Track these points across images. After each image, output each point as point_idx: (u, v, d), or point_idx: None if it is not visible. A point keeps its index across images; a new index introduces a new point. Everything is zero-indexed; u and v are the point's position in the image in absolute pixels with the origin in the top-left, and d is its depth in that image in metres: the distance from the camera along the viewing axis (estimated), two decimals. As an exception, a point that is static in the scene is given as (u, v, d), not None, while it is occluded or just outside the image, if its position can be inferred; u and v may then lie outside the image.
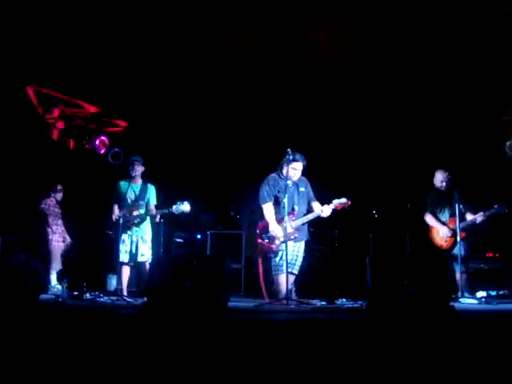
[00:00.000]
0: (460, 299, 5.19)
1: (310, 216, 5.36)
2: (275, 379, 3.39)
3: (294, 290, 5.44)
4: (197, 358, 3.43)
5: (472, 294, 5.47)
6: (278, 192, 5.34)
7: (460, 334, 3.46)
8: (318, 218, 5.47)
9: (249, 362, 3.34)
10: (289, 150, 5.21)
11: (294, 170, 5.31)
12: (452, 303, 4.16)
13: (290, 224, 5.20)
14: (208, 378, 3.42)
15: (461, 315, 3.79)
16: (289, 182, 5.30)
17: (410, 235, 7.58)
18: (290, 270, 5.26)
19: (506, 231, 7.11)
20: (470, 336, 3.43)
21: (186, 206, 5.63)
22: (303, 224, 5.39)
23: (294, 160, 5.27)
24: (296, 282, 5.46)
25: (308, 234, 5.55)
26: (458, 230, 5.76)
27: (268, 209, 5.29)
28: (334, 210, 5.32)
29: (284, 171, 5.40)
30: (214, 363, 3.29)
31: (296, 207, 5.32)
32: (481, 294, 5.33)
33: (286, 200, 5.06)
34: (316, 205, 5.45)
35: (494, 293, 5.53)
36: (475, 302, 5.13)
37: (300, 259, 5.39)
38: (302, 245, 5.41)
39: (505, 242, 7.22)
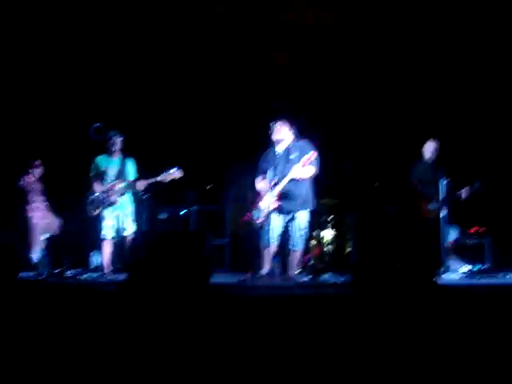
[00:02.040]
0: (442, 274, 5.21)
1: (284, 181, 4.90)
2: (258, 355, 3.34)
3: (278, 265, 5.38)
4: (179, 334, 3.38)
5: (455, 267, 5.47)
6: (265, 165, 5.21)
7: (443, 309, 3.45)
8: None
9: (231, 338, 3.30)
10: None
11: (273, 129, 5.10)
12: (435, 278, 4.16)
13: (271, 194, 4.93)
14: (190, 355, 3.37)
15: (443, 290, 3.79)
16: (278, 149, 5.12)
17: (396, 211, 7.59)
18: (289, 247, 4.98)
19: (492, 205, 7.11)
20: (453, 311, 3.43)
21: (176, 173, 5.36)
22: (290, 192, 4.91)
23: (272, 122, 5.13)
24: (281, 256, 5.38)
25: (307, 203, 4.98)
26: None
27: (257, 182, 5.17)
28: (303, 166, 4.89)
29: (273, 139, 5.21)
30: (196, 339, 3.25)
31: (278, 177, 4.96)
32: (463, 268, 5.36)
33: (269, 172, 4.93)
34: None
35: (476, 268, 5.56)
36: (457, 277, 5.16)
37: (297, 233, 4.91)
38: (296, 216, 4.94)
39: (490, 216, 7.23)
